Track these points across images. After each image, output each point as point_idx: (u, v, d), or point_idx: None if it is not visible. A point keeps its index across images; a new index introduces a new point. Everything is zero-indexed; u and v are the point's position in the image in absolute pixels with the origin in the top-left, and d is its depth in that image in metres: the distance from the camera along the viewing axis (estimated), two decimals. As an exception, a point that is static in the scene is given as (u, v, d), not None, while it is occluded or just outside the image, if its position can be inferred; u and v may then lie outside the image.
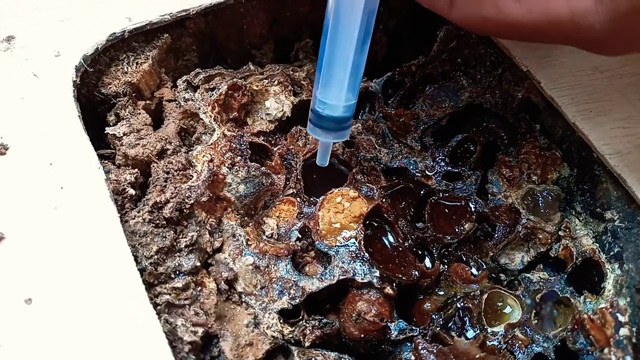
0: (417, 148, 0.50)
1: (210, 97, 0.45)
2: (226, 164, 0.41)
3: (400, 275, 0.42)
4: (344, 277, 0.41)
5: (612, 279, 0.40)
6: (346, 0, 0.33)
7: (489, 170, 0.49)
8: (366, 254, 0.42)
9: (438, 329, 0.42)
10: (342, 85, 0.37)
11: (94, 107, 0.45)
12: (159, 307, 0.36)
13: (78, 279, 0.33)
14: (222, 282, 0.39)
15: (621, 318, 0.37)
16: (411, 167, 0.49)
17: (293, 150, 0.47)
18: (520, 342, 0.41)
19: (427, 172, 0.49)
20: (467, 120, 0.50)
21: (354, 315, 0.41)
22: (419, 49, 0.52)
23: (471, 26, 0.38)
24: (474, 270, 0.46)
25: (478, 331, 0.42)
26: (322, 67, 0.37)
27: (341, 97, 0.38)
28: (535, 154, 0.47)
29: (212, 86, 0.46)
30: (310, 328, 0.41)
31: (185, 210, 0.38)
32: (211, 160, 0.41)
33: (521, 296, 0.44)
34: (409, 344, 0.42)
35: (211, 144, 0.42)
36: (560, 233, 0.45)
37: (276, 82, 0.49)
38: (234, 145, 0.42)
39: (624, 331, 0.37)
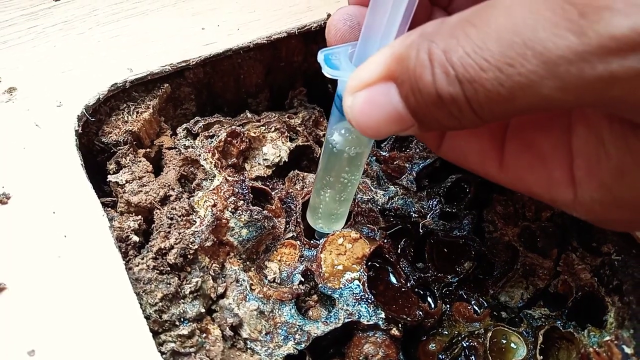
0: (413, 189, 0.51)
1: (210, 144, 0.46)
2: (229, 208, 0.41)
3: (404, 316, 0.42)
4: (350, 319, 0.41)
5: (614, 312, 0.40)
6: None
7: (485, 210, 0.49)
8: (371, 296, 0.41)
9: (446, 369, 0.42)
10: None
11: (93, 156, 0.45)
12: (164, 356, 0.35)
13: (83, 329, 0.32)
14: (227, 329, 0.39)
15: (627, 350, 0.37)
16: (408, 208, 0.50)
17: (292, 193, 0.48)
18: (527, 380, 0.41)
19: (423, 212, 0.50)
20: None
21: (360, 358, 0.40)
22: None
23: (457, 165, 0.37)
24: (475, 309, 0.46)
25: (485, 370, 0.42)
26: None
27: None
28: (528, 192, 0.48)
29: (211, 133, 0.47)
30: (316, 374, 0.40)
31: (189, 256, 0.38)
32: (214, 205, 0.41)
33: (524, 333, 0.44)
34: (417, 387, 0.42)
35: (213, 188, 0.42)
36: (558, 269, 0.46)
37: (273, 129, 0.50)
38: (237, 190, 0.43)
39: (631, 363, 0.37)
